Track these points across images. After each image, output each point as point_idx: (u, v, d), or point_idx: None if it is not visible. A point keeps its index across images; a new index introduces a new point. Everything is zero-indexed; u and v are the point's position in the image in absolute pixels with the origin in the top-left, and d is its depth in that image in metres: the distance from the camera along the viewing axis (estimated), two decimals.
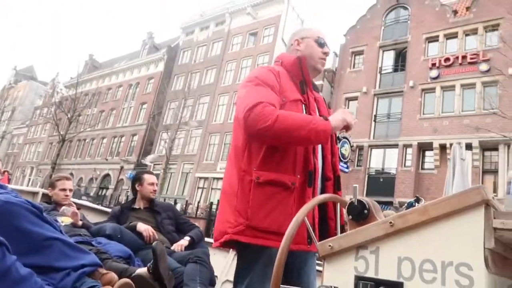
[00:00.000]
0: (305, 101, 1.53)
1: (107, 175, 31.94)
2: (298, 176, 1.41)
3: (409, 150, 17.53)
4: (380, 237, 0.90)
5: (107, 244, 2.19)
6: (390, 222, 0.89)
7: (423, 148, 17.34)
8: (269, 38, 26.22)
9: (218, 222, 1.47)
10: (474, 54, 16.93)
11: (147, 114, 31.18)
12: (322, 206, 1.50)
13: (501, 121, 14.78)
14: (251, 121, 1.34)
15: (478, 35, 17.20)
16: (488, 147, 15.93)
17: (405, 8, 20.37)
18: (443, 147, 16.47)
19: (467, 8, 18.10)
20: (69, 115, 25.02)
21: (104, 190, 30.98)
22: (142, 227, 2.52)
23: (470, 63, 16.98)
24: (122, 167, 22.81)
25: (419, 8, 19.60)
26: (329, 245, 0.96)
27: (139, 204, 2.85)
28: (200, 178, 25.41)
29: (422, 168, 17.31)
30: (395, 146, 17.90)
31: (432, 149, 16.88)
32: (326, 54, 1.66)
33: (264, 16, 27.13)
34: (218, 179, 23.96)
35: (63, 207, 2.46)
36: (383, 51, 20.34)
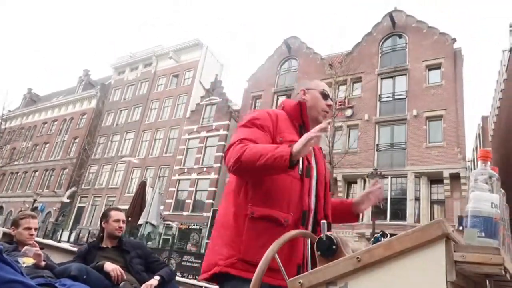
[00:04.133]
0: None
1: (36, 208, 32.48)
2: (292, 214, 1.43)
3: None
4: (348, 273, 0.90)
5: (72, 285, 2.09)
6: (357, 258, 0.89)
7: None
8: (189, 81, 28.86)
9: (209, 254, 1.46)
10: (342, 102, 20.16)
11: (78, 149, 32.46)
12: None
13: (359, 158, 17.87)
14: (227, 159, 1.41)
15: (346, 85, 20.52)
16: (350, 180, 18.89)
17: (296, 59, 23.69)
18: None
19: (340, 63, 21.52)
20: None
21: None
22: (109, 266, 2.42)
23: (339, 109, 20.15)
24: (35, 200, 23.93)
25: (305, 60, 22.97)
26: (299, 282, 0.95)
27: (106, 243, 2.74)
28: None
29: None
30: None
31: None
32: (329, 106, 1.70)
33: (185, 60, 29.83)
34: None
35: (25, 247, 2.33)
36: (278, 96, 23.36)
